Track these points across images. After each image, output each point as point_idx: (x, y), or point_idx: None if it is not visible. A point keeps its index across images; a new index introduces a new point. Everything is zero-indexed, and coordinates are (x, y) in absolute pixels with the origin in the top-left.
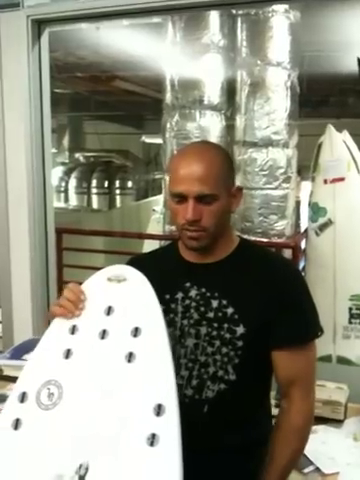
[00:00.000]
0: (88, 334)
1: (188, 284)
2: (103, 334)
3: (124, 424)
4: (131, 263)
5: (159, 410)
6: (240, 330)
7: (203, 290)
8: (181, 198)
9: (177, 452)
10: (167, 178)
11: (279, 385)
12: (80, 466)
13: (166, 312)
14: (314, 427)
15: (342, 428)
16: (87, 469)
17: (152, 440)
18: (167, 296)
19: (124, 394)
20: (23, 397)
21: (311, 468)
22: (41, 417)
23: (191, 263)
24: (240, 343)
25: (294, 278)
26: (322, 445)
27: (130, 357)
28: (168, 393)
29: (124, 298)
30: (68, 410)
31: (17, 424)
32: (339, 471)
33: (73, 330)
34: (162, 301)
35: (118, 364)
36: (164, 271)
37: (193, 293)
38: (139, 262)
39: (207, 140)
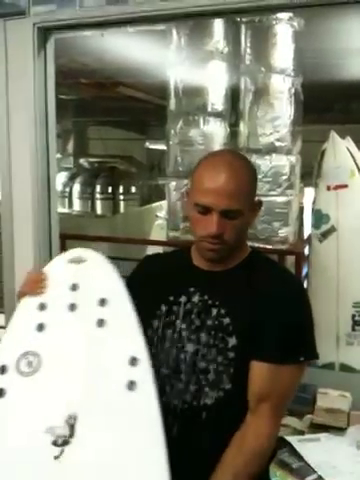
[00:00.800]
0: (57, 308)
1: (192, 289)
2: (72, 307)
3: (104, 377)
4: (145, 260)
5: (134, 361)
6: (232, 341)
7: (206, 297)
8: (205, 210)
9: (154, 394)
10: (173, 183)
11: (249, 399)
12: (69, 416)
13: (168, 313)
14: (317, 435)
15: (345, 436)
16: (76, 418)
17: (131, 386)
18: (171, 298)
19: (100, 353)
20: (3, 370)
21: (314, 476)
22: (23, 383)
23: (199, 269)
24: (232, 354)
25: (296, 299)
26: (325, 453)
27: (101, 323)
28: (140, 347)
29: (87, 275)
30: (49, 373)
31: (1, 393)
32: None
33: (42, 307)
34: (165, 302)
35: (90, 330)
36: (173, 273)
37: (196, 299)
38: (152, 260)
39: (234, 150)
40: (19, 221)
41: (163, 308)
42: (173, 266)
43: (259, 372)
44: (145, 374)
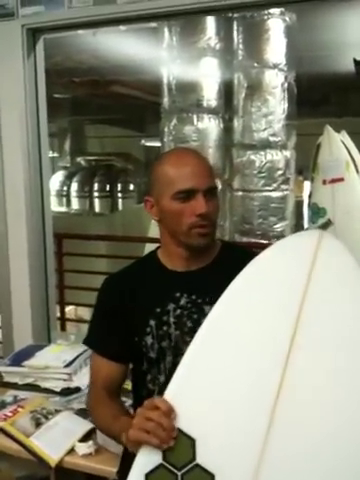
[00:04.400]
0: None
1: (178, 294)
2: None
3: None
4: (109, 283)
5: None
6: None
7: (194, 297)
8: (188, 195)
9: None
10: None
11: None
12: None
13: (159, 325)
14: None
15: None
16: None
17: None
18: (158, 309)
19: None
20: None
21: None
22: None
23: (177, 272)
24: None
25: None
26: None
27: None
28: None
29: None
30: None
31: None
32: None
33: None
34: (153, 315)
35: None
36: (150, 284)
37: (184, 302)
38: (119, 280)
39: None
40: (13, 222)
41: (152, 323)
42: (146, 277)
43: None
44: None
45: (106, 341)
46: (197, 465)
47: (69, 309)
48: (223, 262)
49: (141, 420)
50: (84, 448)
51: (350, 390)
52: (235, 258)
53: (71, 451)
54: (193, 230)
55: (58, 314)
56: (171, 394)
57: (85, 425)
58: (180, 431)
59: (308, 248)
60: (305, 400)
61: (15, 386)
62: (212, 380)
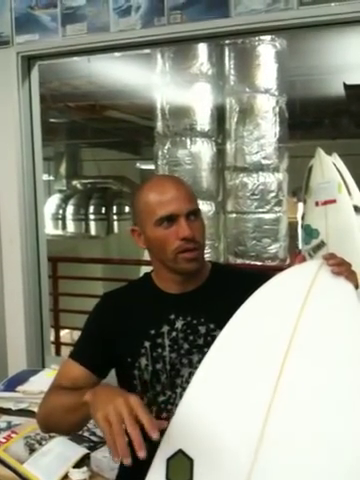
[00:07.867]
0: None
1: (173, 316)
2: None
3: None
4: (105, 300)
5: None
6: None
7: (189, 319)
8: (170, 221)
9: None
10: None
11: None
12: None
13: (153, 347)
14: None
15: None
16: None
17: None
18: (152, 331)
19: None
20: None
21: None
22: None
23: (172, 294)
24: None
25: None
26: None
27: None
28: None
29: None
30: None
31: None
32: None
33: None
34: (147, 337)
35: None
36: (145, 306)
37: (179, 324)
38: (115, 299)
39: None
40: (7, 246)
41: (146, 344)
42: (141, 299)
43: None
44: None
45: (86, 351)
46: None
47: (65, 333)
48: (215, 282)
49: (108, 403)
50: (78, 474)
51: (342, 415)
52: (226, 278)
53: (65, 477)
54: (179, 255)
55: (53, 338)
56: (179, 416)
57: (79, 451)
58: (181, 451)
59: (305, 279)
60: (293, 431)
61: (9, 412)
62: (212, 406)
